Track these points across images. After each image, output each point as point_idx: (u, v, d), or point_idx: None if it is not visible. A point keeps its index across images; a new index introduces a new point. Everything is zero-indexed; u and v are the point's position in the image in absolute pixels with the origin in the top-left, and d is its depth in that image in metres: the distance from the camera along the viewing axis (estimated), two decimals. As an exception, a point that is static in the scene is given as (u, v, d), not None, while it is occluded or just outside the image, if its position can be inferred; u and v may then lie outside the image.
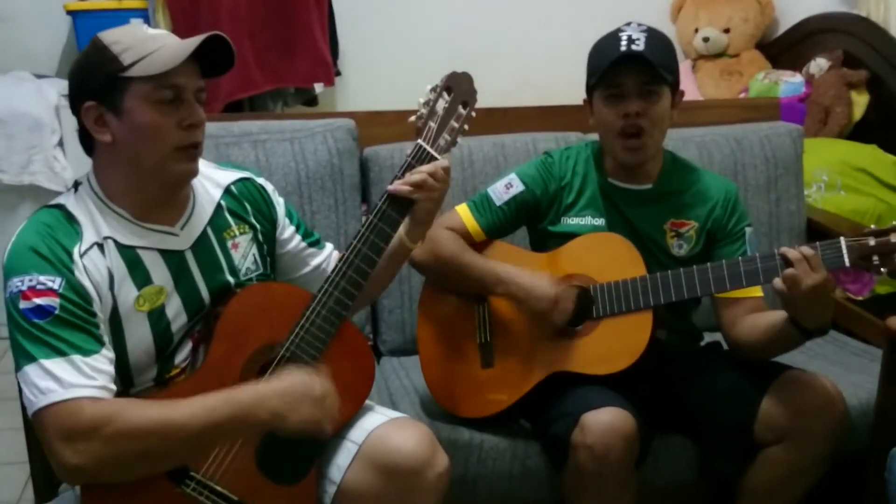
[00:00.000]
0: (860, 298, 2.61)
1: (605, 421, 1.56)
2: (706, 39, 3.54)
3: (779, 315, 1.63)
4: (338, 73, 3.29)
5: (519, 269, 1.73)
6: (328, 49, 3.07)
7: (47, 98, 3.14)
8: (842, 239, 1.53)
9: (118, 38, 1.32)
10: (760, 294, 1.72)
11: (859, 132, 3.00)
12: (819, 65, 3.10)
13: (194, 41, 1.30)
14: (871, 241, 1.52)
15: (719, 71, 3.56)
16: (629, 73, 1.67)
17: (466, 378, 1.78)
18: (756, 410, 1.65)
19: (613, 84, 1.69)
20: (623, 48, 1.67)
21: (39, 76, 3.34)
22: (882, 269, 1.51)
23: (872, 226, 1.55)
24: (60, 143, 3.13)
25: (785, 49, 3.48)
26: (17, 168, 3.13)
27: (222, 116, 2.63)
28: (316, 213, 2.14)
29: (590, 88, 1.76)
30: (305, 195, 2.14)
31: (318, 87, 3.14)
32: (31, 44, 3.35)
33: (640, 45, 1.66)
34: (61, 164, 3.08)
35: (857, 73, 3.00)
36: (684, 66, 3.67)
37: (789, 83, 3.14)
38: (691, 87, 3.58)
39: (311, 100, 3.27)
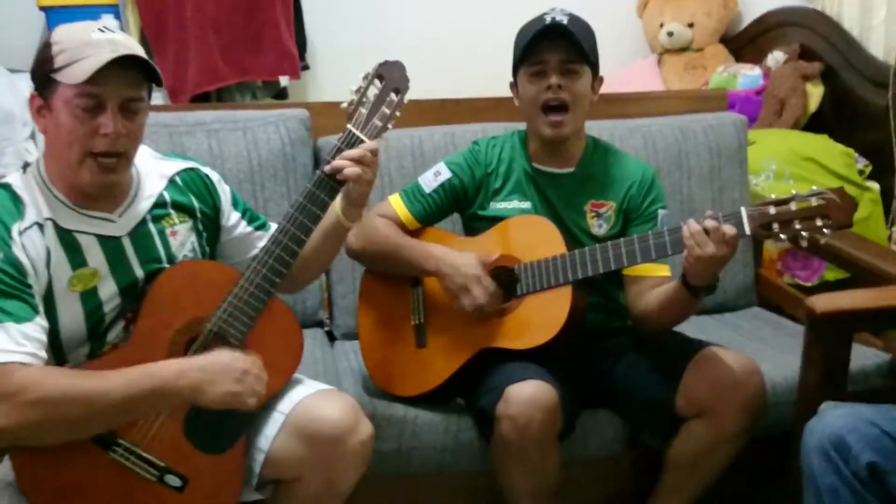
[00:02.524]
0: (809, 285, 2.67)
1: (526, 393, 1.63)
2: (671, 34, 3.59)
3: (673, 283, 1.71)
4: (305, 67, 3.34)
5: (449, 248, 1.80)
6: (294, 42, 3.12)
7: (19, 91, 3.19)
8: (742, 209, 1.59)
9: (60, 39, 1.39)
10: (667, 274, 1.79)
11: (815, 123, 3.04)
12: (776, 58, 3.15)
13: (112, 54, 1.35)
14: (772, 210, 1.56)
15: (683, 65, 3.60)
16: (552, 50, 1.75)
17: (402, 358, 1.86)
18: (677, 385, 1.72)
19: (536, 61, 1.77)
20: (547, 21, 1.75)
21: (13, 71, 3.39)
22: (781, 237, 1.56)
23: (773, 195, 1.60)
24: (32, 136, 3.19)
25: (747, 42, 3.52)
26: (-11, 160, 3.19)
27: (177, 106, 2.71)
28: (268, 201, 2.21)
29: (515, 68, 1.83)
30: (258, 183, 2.21)
31: (285, 80, 3.20)
32: (4, 39, 3.40)
33: (563, 19, 1.75)
34: (33, 155, 3.13)
35: (811, 65, 3.04)
36: (650, 61, 3.72)
37: (747, 76, 3.19)
38: (656, 80, 3.63)
39: (280, 93, 3.32)
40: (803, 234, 1.56)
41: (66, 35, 1.40)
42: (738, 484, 1.92)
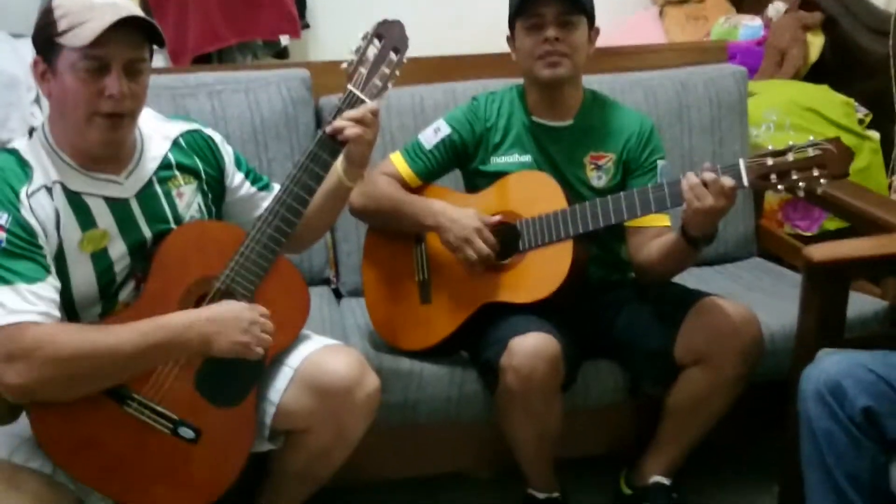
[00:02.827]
0: (809, 234, 2.70)
1: (530, 345, 1.67)
2: (672, -16, 3.58)
3: (673, 234, 1.74)
4: (306, 26, 3.34)
5: (448, 203, 1.83)
6: (293, 1, 3.12)
7: (23, 56, 3.19)
8: (740, 160, 1.61)
9: (62, 3, 1.40)
10: (667, 224, 1.82)
11: (816, 73, 3.04)
12: (776, 8, 3.14)
13: (115, 16, 1.36)
14: (769, 161, 1.59)
15: (685, 16, 3.59)
16: (548, 3, 1.76)
17: (407, 314, 1.89)
18: (676, 334, 1.76)
19: (534, 14, 1.78)
20: None
21: (16, 36, 3.40)
22: (779, 187, 1.59)
23: (770, 146, 1.62)
24: (37, 100, 3.20)
25: (749, -7, 3.51)
26: (-5, 125, 3.21)
27: (179, 69, 2.71)
28: (272, 161, 2.23)
29: (511, 21, 1.84)
30: (261, 143, 2.22)
31: (285, 40, 3.20)
32: (6, 4, 3.39)
33: None
34: (38, 119, 3.15)
35: (812, 15, 3.03)
36: (652, 13, 3.71)
37: (748, 27, 3.18)
38: (658, 32, 3.61)
39: (281, 52, 3.32)
40: (800, 184, 1.58)
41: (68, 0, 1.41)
42: (738, 430, 1.97)
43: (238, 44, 3.11)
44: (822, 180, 1.57)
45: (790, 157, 1.59)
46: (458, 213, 1.80)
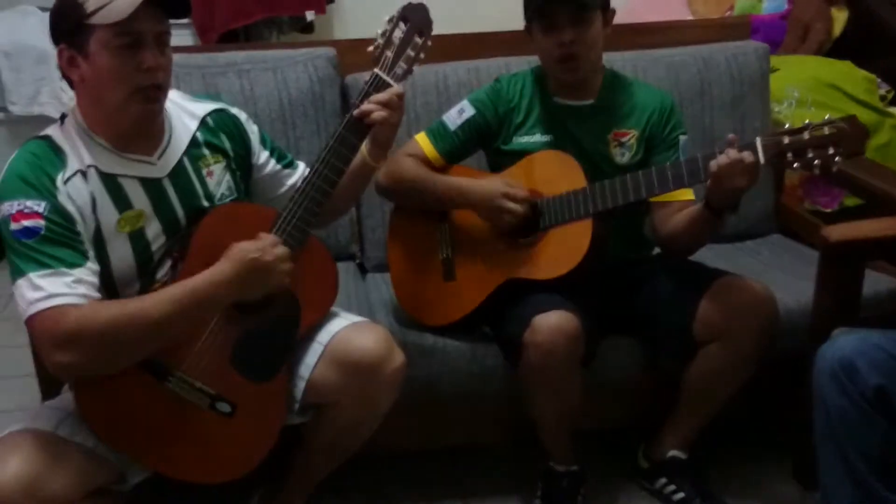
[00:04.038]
0: (829, 211, 2.72)
1: (552, 322, 1.71)
2: (696, -43, 3.56)
3: (697, 206, 1.77)
4: (331, 1, 3.37)
5: (472, 179, 1.88)
6: (319, -23, 3.17)
7: (52, 31, 3.26)
8: (757, 139, 1.64)
9: None
10: (691, 197, 1.85)
11: (839, 48, 3.04)
12: (801, -19, 3.13)
13: None
14: (786, 140, 1.62)
15: (709, -11, 3.58)
16: (560, 6, 1.78)
17: (431, 290, 1.95)
18: (694, 312, 1.80)
19: (547, 15, 1.80)
20: None
21: (44, 9, 3.45)
22: (795, 165, 1.62)
23: (787, 125, 1.65)
24: (67, 75, 3.27)
25: (774, -35, 3.49)
26: (27, 100, 3.28)
27: (209, 47, 2.75)
28: (300, 139, 2.27)
29: (528, 19, 1.87)
30: (289, 121, 2.27)
31: (311, 15, 3.23)
32: (36, -23, 3.43)
33: None
34: (68, 94, 3.20)
35: (836, -11, 3.03)
36: (675, -15, 3.69)
37: (773, 0, 3.18)
38: (681, 4, 3.60)
39: (307, 27, 3.36)
40: (816, 162, 1.61)
41: None
42: (755, 406, 2.02)
43: (264, 19, 3.16)
44: (836, 158, 1.60)
45: (806, 135, 1.61)
46: (485, 185, 1.85)
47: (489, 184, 1.85)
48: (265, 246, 1.49)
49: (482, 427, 2.10)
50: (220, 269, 1.46)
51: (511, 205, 1.80)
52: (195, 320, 1.49)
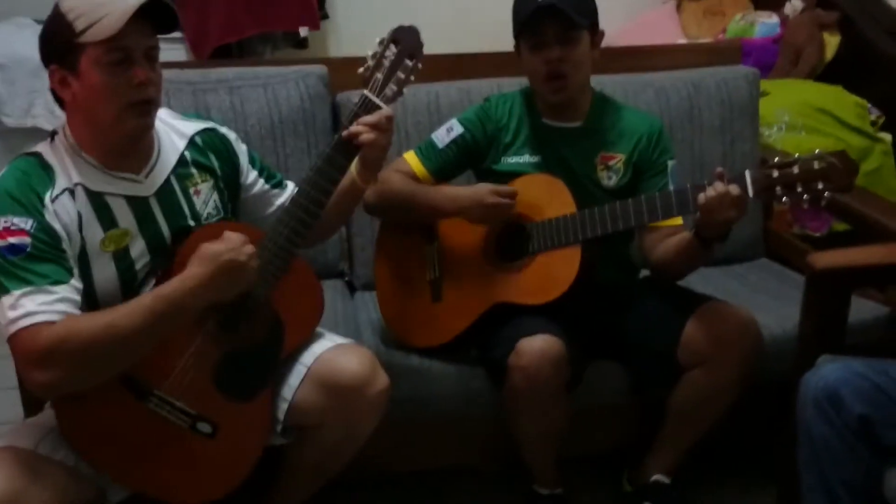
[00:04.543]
0: (818, 235, 2.73)
1: (537, 346, 1.71)
2: (690, -21, 3.59)
3: (686, 233, 1.78)
4: (325, 17, 3.38)
5: (460, 188, 1.89)
6: (313, -8, 3.18)
7: (46, 43, 3.26)
8: (747, 172, 1.65)
9: (73, 6, 1.44)
10: (680, 223, 1.85)
11: (830, 73, 3.06)
12: (794, 5, 3.15)
13: (135, 4, 1.41)
14: (775, 174, 1.62)
15: (702, 11, 3.61)
16: (548, 23, 1.79)
17: (419, 311, 1.94)
18: (679, 337, 1.81)
19: (534, 33, 1.81)
20: (540, 1, 1.77)
21: (39, 21, 3.45)
22: (784, 199, 1.62)
23: (776, 158, 1.65)
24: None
25: (767, -12, 3.52)
26: (20, 112, 3.27)
27: (200, 63, 2.76)
28: (289, 157, 2.27)
29: (516, 37, 1.88)
30: (279, 139, 2.27)
31: (305, 31, 3.24)
32: (31, -11, 3.43)
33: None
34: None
35: (829, 13, 3.05)
36: (669, 7, 3.72)
37: (765, 24, 3.20)
38: (675, 28, 3.63)
39: (301, 42, 3.37)
40: (805, 196, 1.61)
41: (77, 2, 1.44)
42: (740, 431, 2.01)
43: (258, 34, 3.17)
44: (826, 193, 1.60)
45: (795, 169, 1.62)
46: (471, 190, 1.85)
47: (476, 186, 1.86)
48: (236, 245, 1.47)
49: (468, 449, 2.10)
50: (191, 273, 1.45)
51: (501, 199, 1.80)
52: (170, 327, 1.47)
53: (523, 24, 1.82)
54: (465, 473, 2.15)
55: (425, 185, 1.92)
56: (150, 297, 1.43)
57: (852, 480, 1.56)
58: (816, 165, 1.60)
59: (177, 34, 3.05)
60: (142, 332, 1.41)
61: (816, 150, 1.63)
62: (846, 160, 1.61)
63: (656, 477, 1.95)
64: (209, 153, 1.66)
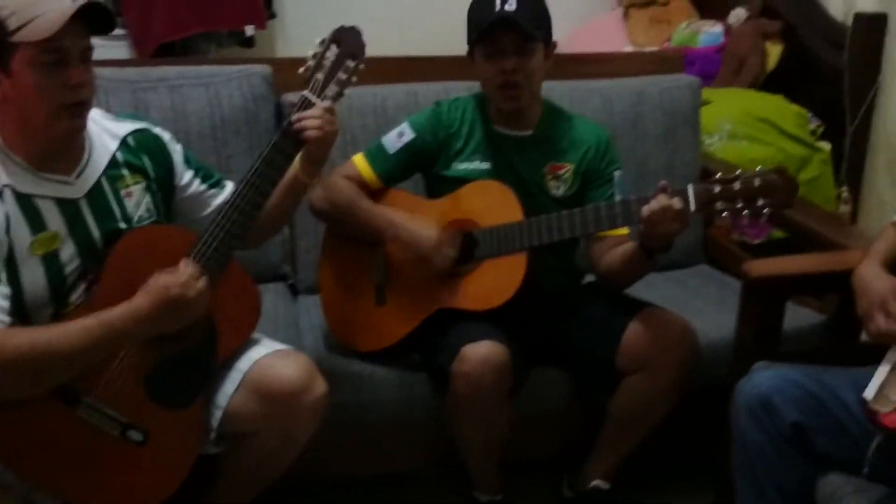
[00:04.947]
0: (757, 242, 2.77)
1: (480, 353, 1.71)
2: (637, -14, 3.63)
3: (631, 244, 1.80)
4: (272, 16, 3.34)
5: (409, 215, 1.86)
6: (260, -9, 3.14)
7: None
8: (689, 186, 1.67)
9: (5, 3, 1.40)
10: (626, 233, 1.87)
11: (773, 82, 3.11)
12: (737, 15, 3.20)
13: (72, 6, 1.38)
14: (717, 188, 1.64)
15: (649, 19, 3.65)
16: (504, 33, 1.79)
17: (362, 315, 1.93)
18: (618, 343, 1.82)
19: (490, 42, 1.81)
20: (497, 9, 1.78)
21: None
22: (724, 214, 1.65)
23: (719, 174, 1.68)
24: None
25: (712, -3, 3.57)
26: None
27: (140, 61, 2.71)
28: (231, 157, 2.23)
29: (471, 44, 1.87)
30: (220, 139, 2.23)
31: (251, 30, 3.20)
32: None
33: (512, 6, 1.77)
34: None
35: (771, 23, 3.10)
36: (617, 14, 3.76)
37: (709, 33, 3.25)
38: (622, 34, 3.67)
39: (247, 41, 3.32)
40: (745, 212, 1.64)
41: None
42: (681, 436, 2.04)
43: (203, 32, 3.11)
44: (765, 210, 1.63)
45: (737, 185, 1.64)
46: (418, 229, 1.83)
47: (424, 228, 1.83)
48: (188, 280, 1.46)
49: (410, 455, 2.08)
50: (137, 304, 1.43)
51: (439, 259, 1.80)
52: (107, 353, 1.45)
53: (481, 33, 1.81)
54: (407, 479, 2.13)
55: (373, 204, 1.90)
56: (92, 321, 1.40)
57: (785, 486, 1.59)
58: (757, 182, 1.62)
59: (120, 31, 3.00)
60: (79, 355, 1.39)
61: (759, 167, 1.65)
62: (787, 178, 1.64)
63: (596, 482, 1.96)
64: (142, 154, 1.63)
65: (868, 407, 1.44)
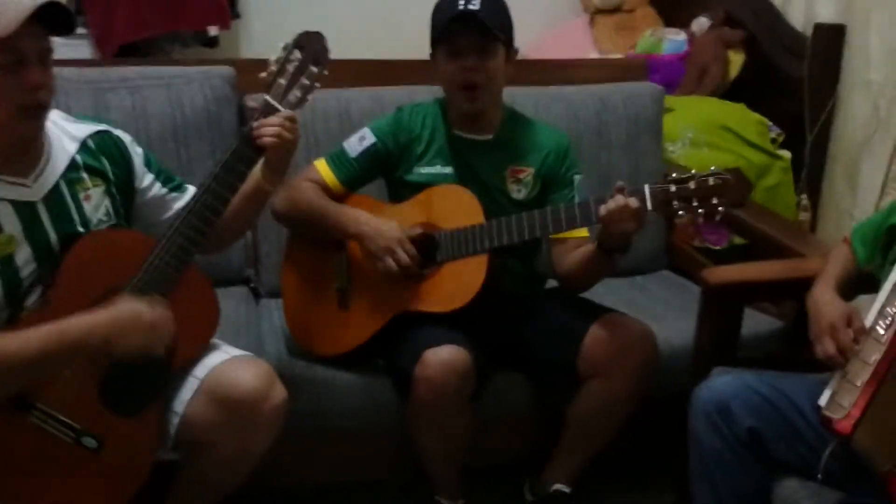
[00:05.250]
0: (718, 248, 2.80)
1: (442, 357, 1.71)
2: (603, -7, 3.65)
3: (591, 245, 1.82)
4: (236, 16, 3.31)
5: (373, 219, 1.86)
6: (223, -9, 3.11)
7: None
8: (646, 186, 1.69)
9: None
10: (586, 235, 1.89)
11: (735, 90, 3.14)
12: (700, 23, 3.23)
13: (30, 6, 1.35)
14: (672, 188, 1.67)
15: (614, 26, 3.67)
16: (465, 32, 1.80)
17: (325, 319, 1.92)
18: (578, 348, 1.84)
19: (452, 41, 1.82)
20: (460, 7, 1.79)
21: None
22: (680, 213, 1.67)
23: (674, 174, 1.70)
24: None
25: (677, 5, 3.60)
26: None
27: (101, 62, 2.67)
28: (193, 159, 2.22)
29: (433, 44, 1.88)
30: (181, 141, 2.21)
31: (214, 30, 3.17)
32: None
33: (475, 5, 1.79)
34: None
35: (734, 32, 3.12)
36: (583, 20, 3.78)
37: (673, 41, 3.27)
38: (588, 40, 3.69)
39: (211, 42, 3.29)
40: (700, 211, 1.66)
41: None
42: (642, 440, 2.05)
43: (166, 33, 3.08)
44: (720, 208, 1.65)
45: (692, 185, 1.66)
46: (381, 223, 1.83)
47: (388, 226, 1.83)
48: (156, 304, 1.45)
49: (372, 461, 2.08)
50: (95, 316, 1.41)
51: (401, 255, 1.79)
52: (64, 364, 1.43)
53: (441, 31, 1.82)
54: (370, 486, 2.12)
55: (336, 204, 1.90)
56: (49, 328, 1.37)
57: (742, 492, 1.61)
58: (712, 182, 1.65)
59: (81, 30, 2.96)
60: (33, 364, 1.37)
61: (712, 167, 1.67)
62: (740, 177, 1.67)
63: (557, 486, 1.97)
64: (101, 157, 1.61)
65: (822, 413, 1.47)
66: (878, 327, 1.43)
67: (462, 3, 1.80)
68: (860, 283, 1.65)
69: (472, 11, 1.78)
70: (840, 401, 1.44)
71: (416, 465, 1.92)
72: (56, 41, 1.46)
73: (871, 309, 1.48)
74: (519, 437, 2.09)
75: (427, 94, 2.31)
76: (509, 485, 2.09)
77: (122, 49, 3.00)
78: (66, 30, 1.45)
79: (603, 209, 1.69)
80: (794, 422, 1.56)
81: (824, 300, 1.56)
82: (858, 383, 1.42)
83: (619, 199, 1.67)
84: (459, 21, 1.79)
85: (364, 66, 2.48)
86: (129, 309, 1.44)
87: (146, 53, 3.08)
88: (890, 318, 1.42)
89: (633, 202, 1.67)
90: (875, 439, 1.41)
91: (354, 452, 2.04)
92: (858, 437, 1.43)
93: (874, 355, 1.42)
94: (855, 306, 1.55)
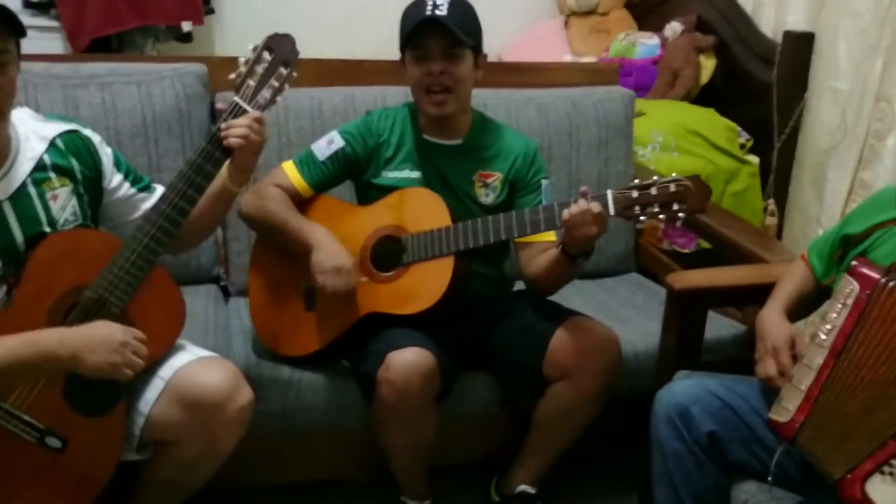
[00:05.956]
0: (686, 251, 2.83)
1: (407, 359, 1.72)
2: (578, -6, 3.67)
3: (554, 251, 1.84)
4: (210, 11, 3.29)
5: (328, 238, 1.84)
6: (198, -14, 3.09)
7: None
8: (609, 192, 1.71)
9: None
10: (553, 239, 1.90)
11: (706, 95, 3.18)
12: (673, 28, 3.26)
13: None
14: (634, 194, 1.69)
15: (588, 28, 3.69)
16: (433, 36, 1.82)
17: (291, 320, 1.92)
18: (544, 351, 1.86)
19: (419, 45, 1.84)
20: (427, 13, 1.81)
21: None
22: (641, 218, 1.69)
23: (636, 180, 1.72)
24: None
25: (651, 10, 3.63)
26: None
27: (72, 57, 2.65)
28: (163, 157, 2.21)
29: (402, 48, 1.89)
30: (152, 138, 2.20)
31: (188, 26, 3.15)
32: None
33: (442, 10, 1.81)
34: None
35: (706, 38, 3.16)
36: (557, 22, 3.80)
37: (645, 45, 3.30)
38: (562, 42, 3.71)
39: (185, 37, 3.27)
40: (661, 216, 1.69)
41: None
42: (607, 442, 2.08)
43: (139, 27, 3.06)
44: (680, 214, 1.68)
45: (653, 191, 1.69)
46: (332, 250, 1.81)
47: (338, 254, 1.81)
48: (135, 332, 1.46)
49: (338, 461, 2.08)
50: (69, 330, 1.42)
51: (337, 284, 1.79)
52: (27, 376, 1.43)
53: (409, 34, 1.83)
54: (337, 485, 2.13)
55: (300, 217, 1.89)
56: (16, 339, 1.38)
57: (702, 494, 1.63)
58: (673, 188, 1.67)
59: (54, 23, 2.93)
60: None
61: (673, 174, 1.70)
62: (700, 184, 1.69)
63: (522, 487, 1.99)
64: (70, 156, 1.60)
65: (769, 417, 1.50)
66: (820, 333, 1.46)
67: (430, 8, 1.81)
68: (819, 298, 1.68)
69: (439, 17, 1.80)
70: (786, 405, 1.47)
71: (384, 464, 1.93)
72: (28, 33, 1.45)
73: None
74: (485, 437, 2.10)
75: (400, 94, 2.33)
76: (477, 485, 2.11)
77: (94, 43, 2.98)
78: (20, 33, 1.44)
79: (566, 213, 1.71)
80: (753, 426, 1.59)
81: (771, 321, 1.60)
82: (802, 387, 1.46)
83: (582, 204, 1.69)
84: (427, 26, 1.80)
85: (336, 66, 2.48)
86: (104, 329, 1.45)
87: (119, 48, 3.06)
88: (831, 324, 1.45)
89: (596, 207, 1.69)
90: (824, 445, 1.44)
91: (322, 452, 2.04)
92: (806, 441, 1.46)
93: (817, 359, 1.45)
94: (799, 328, 1.60)
